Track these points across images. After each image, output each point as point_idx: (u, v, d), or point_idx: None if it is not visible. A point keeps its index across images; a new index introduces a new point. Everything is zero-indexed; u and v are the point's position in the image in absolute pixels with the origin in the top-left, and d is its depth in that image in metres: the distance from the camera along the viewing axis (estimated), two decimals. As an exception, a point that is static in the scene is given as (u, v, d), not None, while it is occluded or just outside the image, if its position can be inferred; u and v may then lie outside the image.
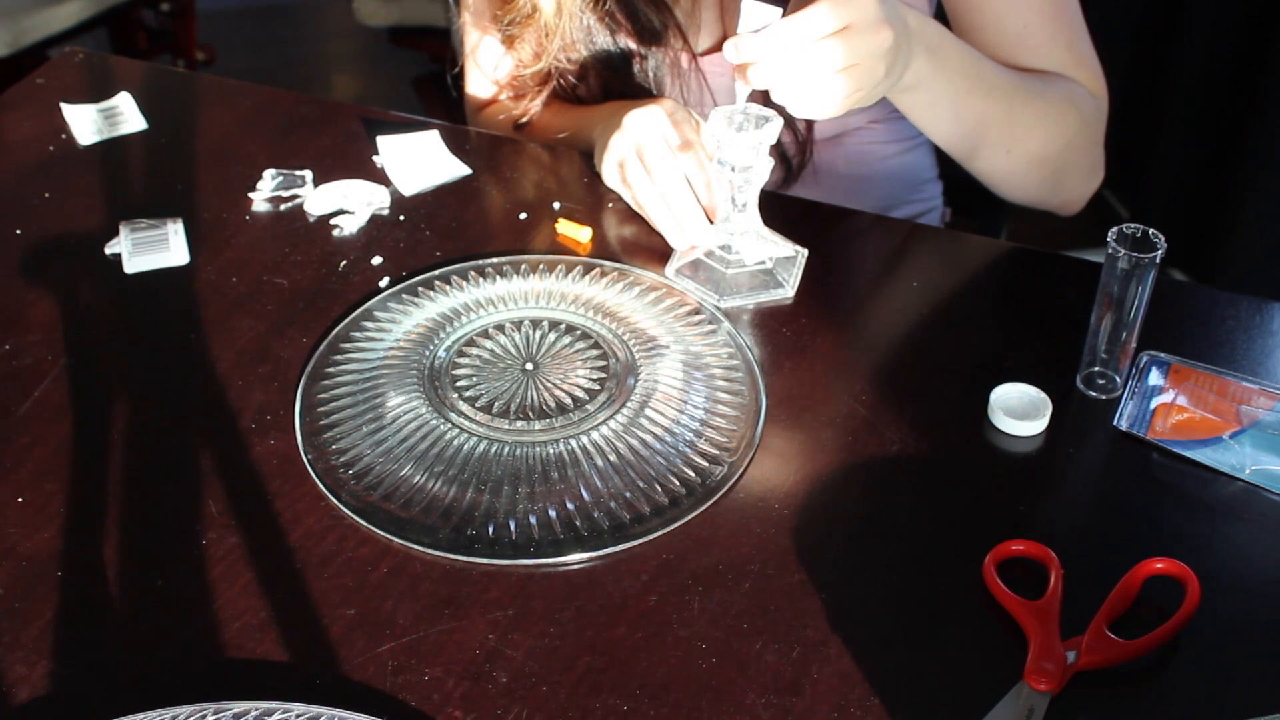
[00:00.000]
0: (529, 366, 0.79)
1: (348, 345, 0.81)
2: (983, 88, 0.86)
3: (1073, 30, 0.94)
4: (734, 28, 0.98)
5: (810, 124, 0.99)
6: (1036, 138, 0.91)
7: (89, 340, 0.82)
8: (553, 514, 0.70)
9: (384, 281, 0.86)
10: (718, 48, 1.00)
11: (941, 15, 0.99)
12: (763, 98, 0.80)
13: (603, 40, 0.97)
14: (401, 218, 0.93)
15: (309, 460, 0.73)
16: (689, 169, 0.87)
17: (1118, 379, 0.77)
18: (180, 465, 0.73)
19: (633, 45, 0.98)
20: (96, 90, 1.07)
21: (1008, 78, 0.88)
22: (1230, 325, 0.82)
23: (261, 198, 0.94)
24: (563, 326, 0.82)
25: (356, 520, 0.70)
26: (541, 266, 0.87)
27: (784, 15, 0.75)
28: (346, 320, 0.83)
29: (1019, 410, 0.75)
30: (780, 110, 0.81)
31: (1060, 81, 0.93)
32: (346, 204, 0.93)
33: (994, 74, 0.87)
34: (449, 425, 0.75)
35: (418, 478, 0.72)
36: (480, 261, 0.87)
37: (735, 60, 0.76)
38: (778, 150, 1.00)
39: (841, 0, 0.73)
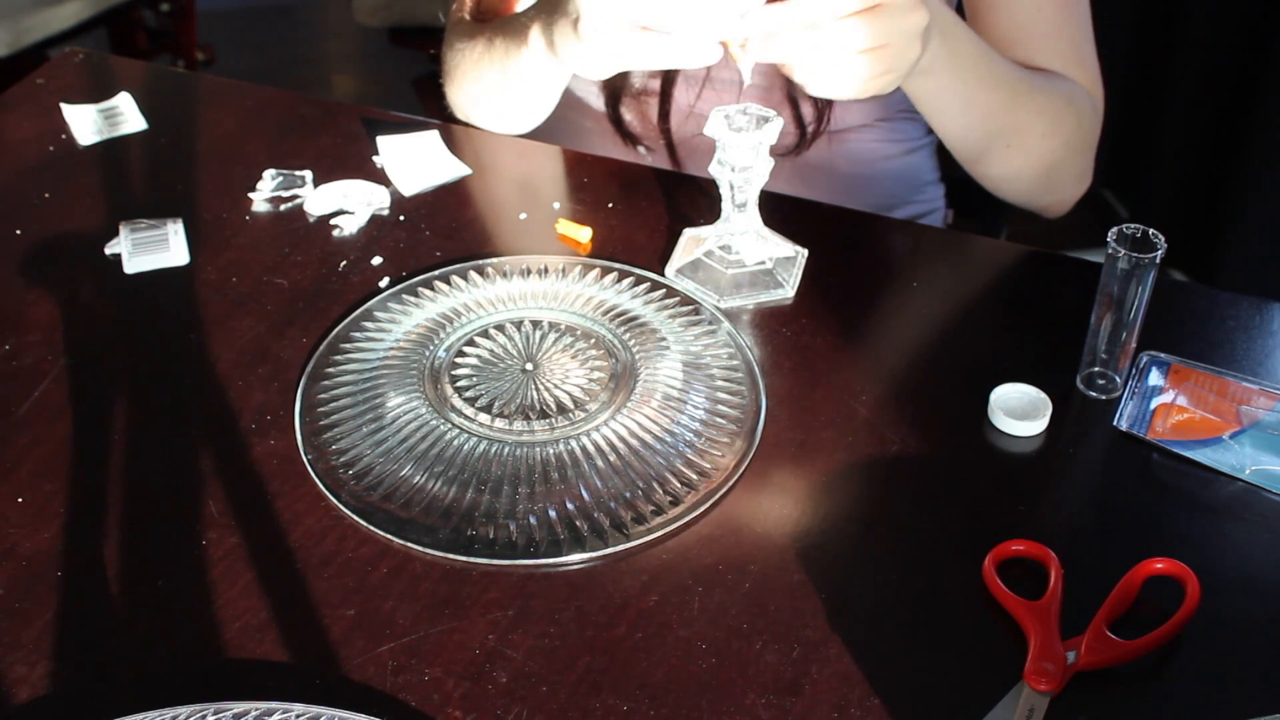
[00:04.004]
0: (529, 366, 0.79)
1: (348, 345, 0.81)
2: (990, 78, 0.86)
3: (1079, 27, 0.94)
4: None
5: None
6: (1036, 133, 0.90)
7: (89, 340, 0.82)
8: (553, 514, 0.70)
9: (384, 281, 0.86)
10: None
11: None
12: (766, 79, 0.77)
13: None
14: (401, 218, 0.93)
15: (309, 460, 0.73)
16: None
17: (1118, 379, 0.77)
18: (180, 465, 0.73)
19: None
20: (96, 90, 1.07)
21: (1012, 71, 0.88)
22: (1230, 325, 0.82)
23: (261, 198, 0.94)
24: (563, 326, 0.82)
25: (356, 520, 0.70)
26: (541, 266, 0.87)
27: None
28: (346, 320, 0.83)
29: (1019, 410, 0.75)
30: None
31: (1060, 80, 0.93)
32: (346, 204, 0.93)
33: (1000, 66, 0.87)
34: (449, 425, 0.75)
35: (418, 478, 0.72)
36: (480, 261, 0.87)
37: (748, 31, 0.72)
38: (793, 113, 0.98)
39: None
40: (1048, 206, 0.99)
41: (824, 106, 0.98)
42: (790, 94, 0.98)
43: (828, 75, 0.73)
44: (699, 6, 0.72)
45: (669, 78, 1.00)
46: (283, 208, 0.94)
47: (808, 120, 0.98)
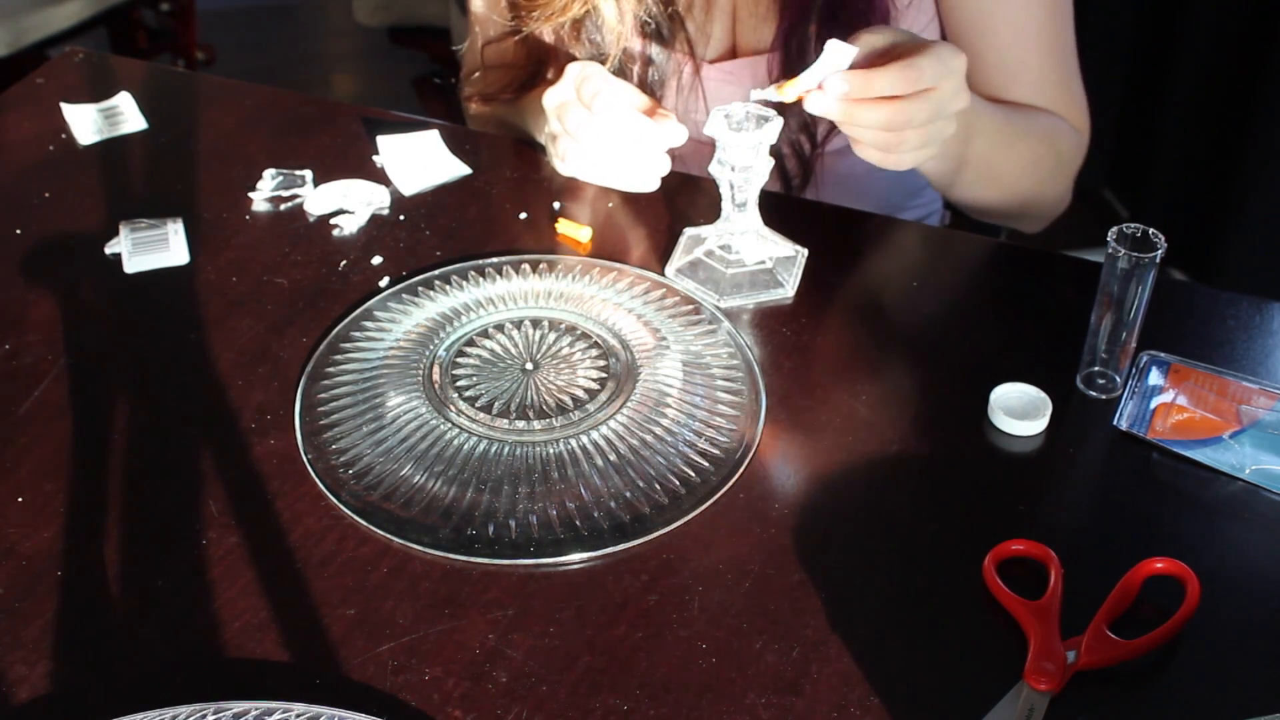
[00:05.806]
0: (529, 366, 0.79)
1: (348, 345, 0.81)
2: (973, 133, 0.86)
3: (1067, 67, 0.96)
4: (744, 39, 0.98)
5: (814, 142, 0.98)
6: (1012, 175, 0.93)
7: (89, 340, 0.82)
8: (553, 514, 0.70)
9: (384, 281, 0.86)
10: (721, 58, 0.99)
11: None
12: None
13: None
14: (401, 218, 0.93)
15: (309, 460, 0.73)
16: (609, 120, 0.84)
17: (1118, 379, 0.77)
18: (180, 465, 0.73)
19: (638, 48, 0.97)
20: (96, 90, 1.07)
21: (995, 119, 0.88)
22: (1230, 325, 0.82)
23: (261, 198, 0.94)
24: (563, 326, 0.82)
25: (356, 520, 0.70)
26: (541, 266, 0.87)
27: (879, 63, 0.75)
28: (346, 320, 0.83)
29: (1019, 410, 0.75)
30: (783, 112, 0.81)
31: (1045, 119, 0.94)
32: (346, 204, 0.93)
33: (985, 118, 0.87)
34: (449, 425, 0.75)
35: (418, 478, 0.72)
36: (480, 261, 0.87)
37: (829, 92, 0.75)
38: (777, 166, 0.99)
39: (945, 59, 0.74)
40: (1022, 228, 1.03)
41: (810, 156, 0.99)
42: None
43: (886, 145, 0.77)
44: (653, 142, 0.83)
45: (657, 92, 1.00)
46: (283, 207, 0.94)
47: (791, 172, 1.00)
